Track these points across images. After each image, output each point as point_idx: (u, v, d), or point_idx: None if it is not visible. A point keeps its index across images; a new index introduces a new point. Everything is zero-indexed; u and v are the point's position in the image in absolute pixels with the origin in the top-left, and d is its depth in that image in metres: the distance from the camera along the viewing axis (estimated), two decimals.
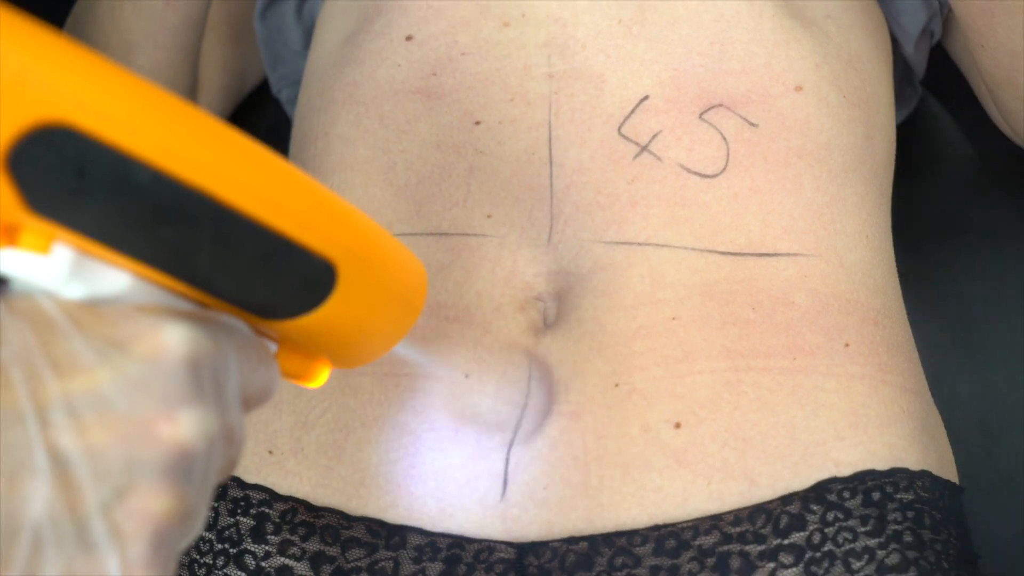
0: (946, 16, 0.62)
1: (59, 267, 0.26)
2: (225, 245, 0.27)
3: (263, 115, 0.76)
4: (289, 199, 0.28)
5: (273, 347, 0.32)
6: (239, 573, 0.45)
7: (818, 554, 0.42)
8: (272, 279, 0.28)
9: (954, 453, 0.49)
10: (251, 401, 0.30)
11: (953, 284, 0.61)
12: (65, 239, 0.26)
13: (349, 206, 0.31)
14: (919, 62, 0.64)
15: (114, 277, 0.27)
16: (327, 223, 0.29)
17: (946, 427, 0.49)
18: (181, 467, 0.26)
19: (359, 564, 0.44)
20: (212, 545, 0.46)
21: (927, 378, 0.49)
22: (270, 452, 0.47)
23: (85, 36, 0.62)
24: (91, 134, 0.24)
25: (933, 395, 0.49)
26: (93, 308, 0.26)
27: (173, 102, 0.25)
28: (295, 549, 0.45)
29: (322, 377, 0.33)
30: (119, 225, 0.25)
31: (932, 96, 0.68)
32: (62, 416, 0.25)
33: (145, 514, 0.25)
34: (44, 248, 0.26)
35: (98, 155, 0.24)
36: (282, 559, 0.45)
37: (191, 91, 0.67)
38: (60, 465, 0.24)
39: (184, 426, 0.26)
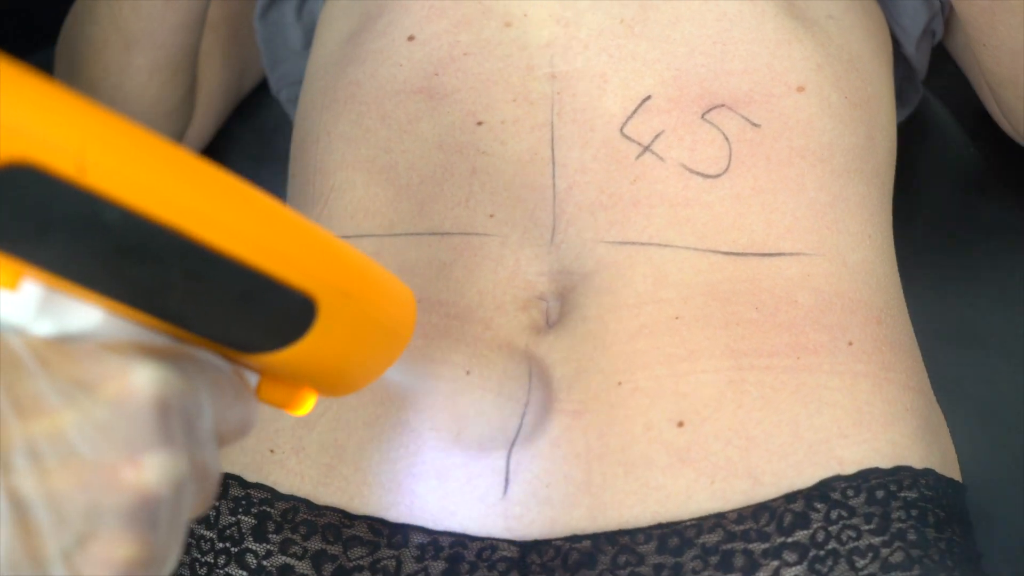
0: (947, 16, 0.62)
1: (28, 303, 0.25)
2: (197, 282, 0.26)
3: (263, 114, 0.76)
4: (264, 234, 0.27)
5: (255, 377, 0.31)
6: (240, 572, 0.45)
7: (822, 552, 0.41)
8: (248, 315, 0.28)
9: (956, 452, 0.49)
10: (227, 437, 0.29)
11: (955, 283, 0.61)
12: (33, 276, 0.25)
13: (331, 238, 0.30)
14: (921, 62, 0.64)
15: (85, 313, 0.26)
16: (305, 257, 0.28)
17: (948, 426, 0.49)
18: (145, 513, 0.25)
19: (361, 563, 0.44)
20: (213, 544, 0.46)
21: (929, 377, 0.49)
22: (271, 451, 0.47)
23: (84, 34, 0.62)
24: (55, 173, 0.23)
25: (935, 394, 0.49)
26: (61, 347, 0.25)
27: (140, 136, 0.24)
28: (296, 548, 0.44)
29: (307, 405, 0.32)
30: (87, 263, 0.25)
31: (933, 95, 0.69)
32: (24, 460, 0.24)
33: (107, 561, 0.25)
34: (12, 284, 0.25)
35: (63, 194, 0.23)
36: (284, 558, 0.45)
37: (190, 90, 0.67)
38: (20, 510, 0.24)
39: (149, 472, 0.25)
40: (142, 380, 0.25)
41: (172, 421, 0.26)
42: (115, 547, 0.25)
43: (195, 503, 0.28)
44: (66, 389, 0.25)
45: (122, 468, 0.25)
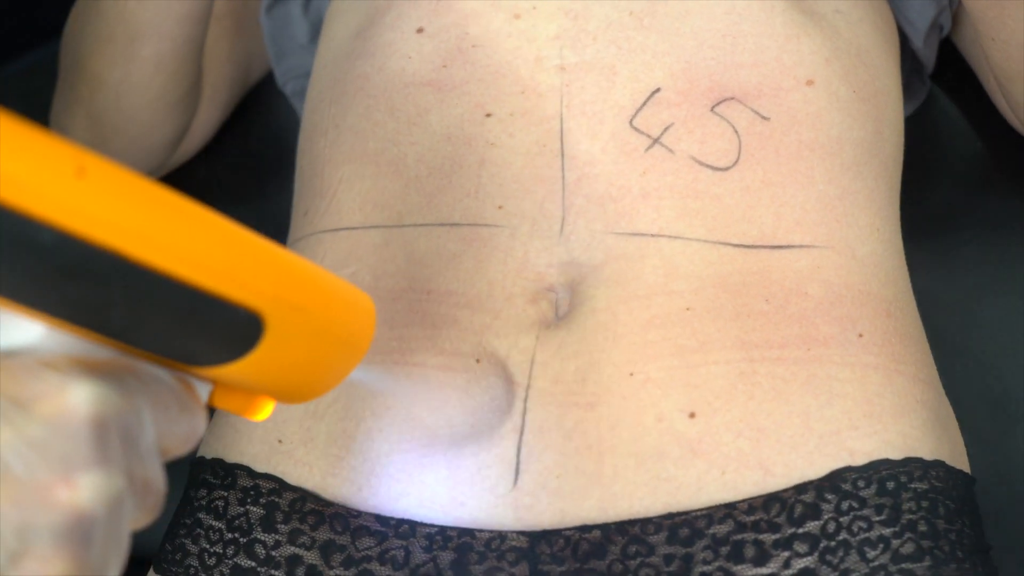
0: (955, 10, 0.62)
1: None
2: (138, 301, 0.26)
3: (268, 108, 0.76)
4: (205, 253, 0.27)
5: (207, 386, 0.31)
6: (249, 562, 0.45)
7: (833, 543, 0.41)
8: (192, 331, 0.28)
9: (964, 444, 0.48)
10: (172, 450, 0.29)
11: (961, 277, 0.61)
12: None
13: (279, 252, 0.30)
14: (928, 56, 0.64)
15: (25, 328, 0.26)
16: (250, 274, 0.28)
17: (956, 418, 0.49)
18: (79, 532, 0.25)
19: (369, 553, 0.44)
20: (222, 534, 0.45)
21: (937, 369, 0.49)
22: (280, 441, 0.47)
23: (89, 27, 0.62)
24: None
25: (942, 386, 0.49)
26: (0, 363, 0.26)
27: (73, 155, 0.24)
28: (305, 538, 0.44)
29: (265, 411, 0.32)
30: (25, 284, 0.24)
31: (940, 89, 0.69)
32: None
33: None
34: None
35: None
36: (292, 548, 0.44)
37: (195, 83, 0.67)
38: None
39: (83, 491, 0.25)
40: (79, 398, 0.26)
41: (109, 439, 0.26)
42: (48, 565, 0.25)
43: (138, 516, 0.28)
44: (2, 407, 0.25)
45: (56, 487, 0.25)
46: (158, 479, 0.28)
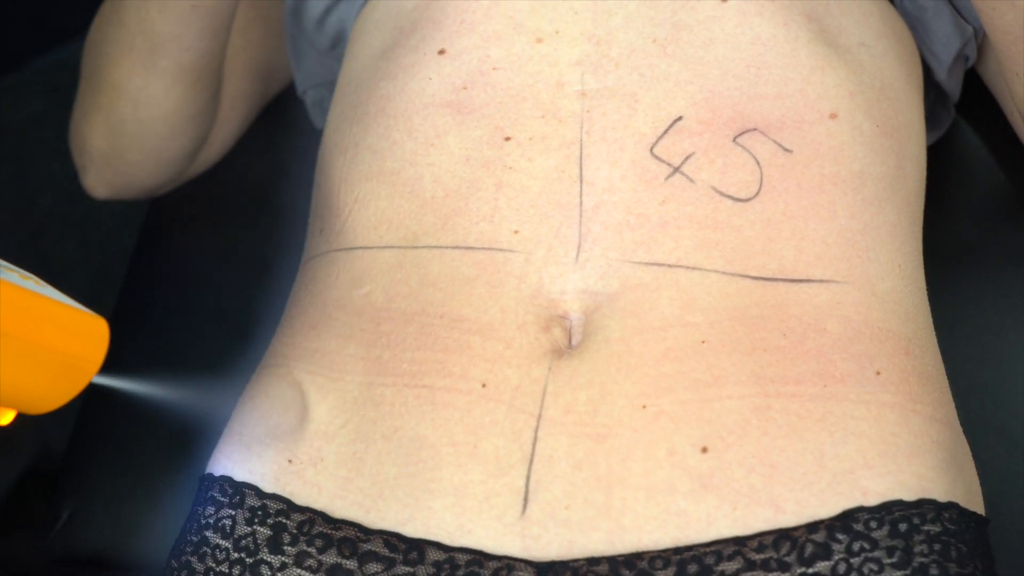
0: (980, 41, 0.62)
1: None
2: None
3: (286, 121, 0.76)
4: None
5: None
6: None
7: None
8: None
9: (980, 483, 0.48)
10: None
11: (982, 310, 0.60)
12: None
13: None
14: (953, 86, 0.63)
15: None
16: None
17: (972, 456, 0.48)
18: None
19: None
20: (228, 554, 0.45)
21: (955, 405, 0.49)
22: (289, 461, 0.47)
23: (111, 36, 0.62)
24: None
25: (960, 423, 0.48)
26: None
27: None
28: (312, 561, 0.44)
29: (6, 417, 0.35)
30: None
31: (964, 120, 0.68)
32: None
33: None
34: None
35: None
36: (298, 571, 0.44)
37: (215, 96, 0.67)
38: None
39: None
40: None
41: None
42: None
43: None
44: None
45: None
46: None
